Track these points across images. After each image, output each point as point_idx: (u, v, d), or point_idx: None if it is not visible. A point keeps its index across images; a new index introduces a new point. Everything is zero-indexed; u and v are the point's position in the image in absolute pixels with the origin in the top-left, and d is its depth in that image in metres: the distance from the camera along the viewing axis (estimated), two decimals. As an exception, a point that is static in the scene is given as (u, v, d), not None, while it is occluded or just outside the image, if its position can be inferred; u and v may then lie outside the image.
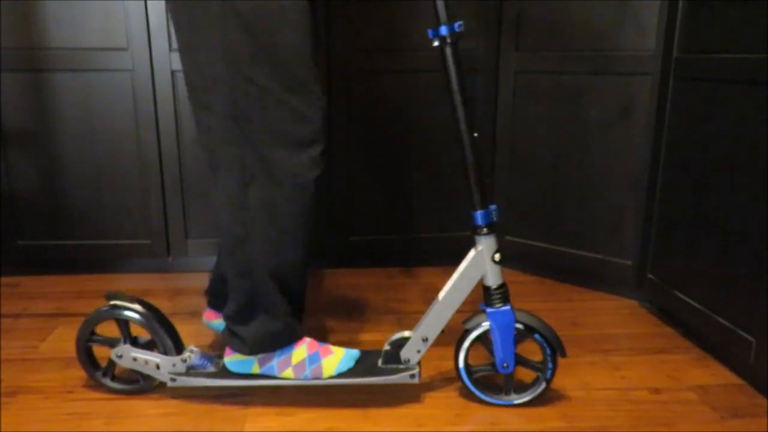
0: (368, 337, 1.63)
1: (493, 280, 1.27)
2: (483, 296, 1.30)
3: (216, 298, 1.51)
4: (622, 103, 1.80)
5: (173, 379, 1.31)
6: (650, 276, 1.79)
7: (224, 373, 1.33)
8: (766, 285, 1.32)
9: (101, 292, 1.98)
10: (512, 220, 2.11)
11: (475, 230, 1.26)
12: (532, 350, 1.35)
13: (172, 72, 1.95)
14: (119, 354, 1.34)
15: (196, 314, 1.79)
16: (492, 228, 1.26)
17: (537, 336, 1.30)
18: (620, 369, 1.51)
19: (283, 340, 1.30)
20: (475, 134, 1.24)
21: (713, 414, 1.32)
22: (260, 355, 1.30)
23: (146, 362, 1.33)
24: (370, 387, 1.41)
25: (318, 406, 1.34)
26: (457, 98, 1.22)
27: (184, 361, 1.32)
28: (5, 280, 2.09)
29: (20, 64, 1.92)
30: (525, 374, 1.38)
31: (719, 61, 1.47)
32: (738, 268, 1.42)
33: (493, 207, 1.26)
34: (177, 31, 1.17)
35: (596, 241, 1.93)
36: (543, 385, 1.33)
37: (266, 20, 1.10)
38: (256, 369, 1.31)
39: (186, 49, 1.16)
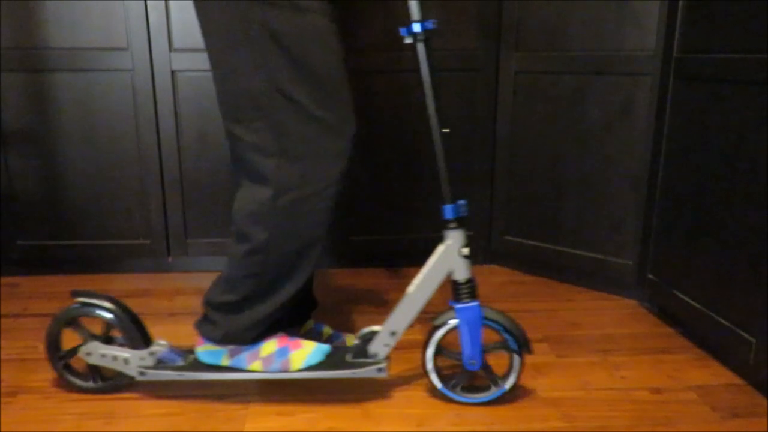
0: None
1: (461, 274, 1.29)
2: (452, 292, 1.31)
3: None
4: (622, 103, 1.80)
5: (142, 373, 1.33)
6: (650, 276, 1.79)
7: (194, 366, 1.34)
8: (766, 285, 1.32)
9: (101, 292, 1.98)
10: (512, 220, 2.11)
11: (445, 224, 1.29)
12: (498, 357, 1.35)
13: (172, 72, 1.95)
14: (88, 352, 1.35)
15: (195, 314, 1.79)
16: (461, 222, 1.29)
17: (508, 342, 1.31)
18: (620, 369, 1.51)
19: (256, 338, 1.31)
20: (445, 130, 1.27)
21: (713, 414, 1.33)
22: (231, 347, 1.32)
23: (115, 358, 1.34)
24: (372, 386, 1.41)
25: (318, 406, 1.34)
26: (429, 94, 1.25)
27: (152, 354, 1.33)
28: (5, 280, 2.09)
29: (20, 64, 1.92)
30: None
31: (719, 61, 1.47)
32: (738, 268, 1.42)
33: (462, 202, 1.29)
34: (211, 49, 1.21)
35: (596, 241, 1.93)
36: (503, 389, 1.34)
37: (302, 40, 1.15)
38: (225, 361, 1.33)
39: (222, 68, 1.20)
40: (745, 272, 1.40)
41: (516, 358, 1.32)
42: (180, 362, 1.34)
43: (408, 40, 1.24)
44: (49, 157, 2.00)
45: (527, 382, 1.45)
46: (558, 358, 1.56)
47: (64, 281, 2.08)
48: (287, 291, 1.28)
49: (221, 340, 1.31)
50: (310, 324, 1.55)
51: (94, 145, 2.00)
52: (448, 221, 1.29)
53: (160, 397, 1.37)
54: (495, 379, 1.35)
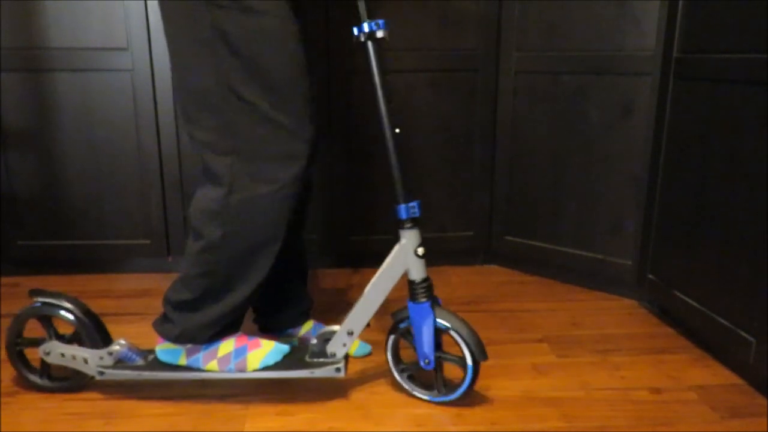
0: (369, 337, 1.63)
1: (416, 274, 1.30)
2: (408, 291, 1.31)
3: (265, 320, 1.56)
4: (622, 103, 1.80)
5: (101, 373, 1.33)
6: (650, 276, 1.79)
7: (152, 366, 1.34)
8: (766, 285, 1.32)
9: (101, 292, 1.98)
10: (512, 220, 2.11)
11: (399, 224, 1.29)
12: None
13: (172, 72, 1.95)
14: (47, 351, 1.35)
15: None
16: (415, 222, 1.29)
17: (456, 337, 1.30)
18: (620, 369, 1.51)
19: (213, 337, 1.32)
20: (397, 130, 1.28)
21: (713, 414, 1.33)
22: (189, 346, 1.32)
23: (74, 357, 1.34)
24: (372, 386, 1.41)
25: (318, 406, 1.34)
26: (379, 93, 1.26)
27: (111, 353, 1.33)
28: (5, 280, 2.09)
29: (20, 64, 1.92)
30: (455, 374, 1.37)
31: (719, 61, 1.47)
32: (738, 268, 1.42)
33: (416, 202, 1.29)
34: (170, 49, 1.23)
35: (596, 241, 1.93)
36: (467, 384, 1.31)
37: (252, 43, 1.16)
38: (182, 360, 1.34)
39: (178, 67, 1.23)
40: (745, 272, 1.40)
41: (469, 366, 1.30)
42: (139, 361, 1.34)
43: (360, 39, 1.25)
44: (49, 157, 2.00)
45: (527, 382, 1.45)
46: (558, 358, 1.57)
47: (64, 281, 2.08)
48: (242, 291, 1.28)
49: (177, 339, 1.31)
50: (309, 324, 1.55)
51: (94, 145, 2.00)
52: (402, 221, 1.28)
53: (160, 397, 1.37)
54: (440, 386, 1.34)
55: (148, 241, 2.08)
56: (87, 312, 1.35)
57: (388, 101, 1.26)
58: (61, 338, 1.36)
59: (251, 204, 1.22)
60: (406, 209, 1.28)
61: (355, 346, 1.55)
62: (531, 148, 2.02)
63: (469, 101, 2.06)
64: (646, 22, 1.70)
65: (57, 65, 1.93)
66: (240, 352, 1.33)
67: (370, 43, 1.24)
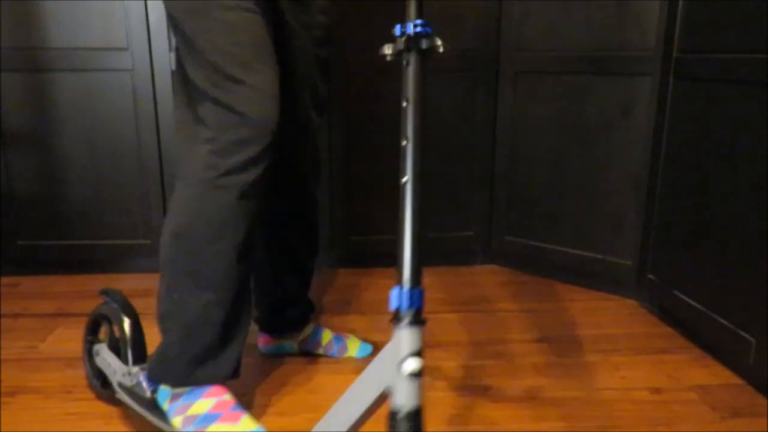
0: (368, 337, 1.63)
1: (402, 399, 0.76)
2: (387, 424, 0.77)
3: (266, 319, 1.51)
4: (622, 104, 1.80)
5: (116, 390, 1.27)
6: (650, 276, 1.79)
7: (149, 403, 1.21)
8: (766, 285, 1.32)
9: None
10: (512, 220, 2.11)
11: (394, 317, 0.79)
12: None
13: (172, 72, 1.95)
14: (98, 352, 1.35)
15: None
16: (418, 317, 0.78)
17: None
18: (620, 369, 1.51)
19: (185, 381, 1.15)
20: (404, 142, 0.92)
21: (713, 414, 1.33)
22: (176, 390, 1.17)
23: (109, 365, 1.31)
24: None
25: (318, 406, 1.34)
26: (410, 124, 0.92)
27: (132, 374, 1.24)
28: (5, 280, 2.09)
29: (20, 64, 1.92)
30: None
31: (719, 61, 1.47)
32: (738, 268, 1.42)
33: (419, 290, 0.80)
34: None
35: (596, 241, 1.93)
36: None
37: (188, 19, 1.10)
38: (165, 405, 1.18)
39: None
40: (745, 272, 1.40)
41: None
42: (147, 394, 1.21)
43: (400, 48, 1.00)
44: (49, 157, 2.00)
45: (527, 382, 1.45)
46: (558, 358, 1.57)
47: (64, 281, 2.08)
48: (192, 306, 1.12)
49: (149, 376, 1.19)
50: (309, 328, 1.54)
51: (94, 145, 2.00)
52: (398, 313, 0.79)
53: (160, 397, 1.37)
54: None
55: (148, 241, 2.08)
56: (134, 323, 1.29)
57: (420, 142, 0.87)
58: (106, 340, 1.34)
59: (190, 192, 1.12)
60: (406, 296, 0.79)
61: (357, 347, 1.55)
62: (531, 147, 2.02)
63: (469, 101, 2.06)
64: (646, 22, 1.70)
65: (57, 65, 1.93)
66: (207, 419, 1.13)
67: (413, 55, 0.93)
